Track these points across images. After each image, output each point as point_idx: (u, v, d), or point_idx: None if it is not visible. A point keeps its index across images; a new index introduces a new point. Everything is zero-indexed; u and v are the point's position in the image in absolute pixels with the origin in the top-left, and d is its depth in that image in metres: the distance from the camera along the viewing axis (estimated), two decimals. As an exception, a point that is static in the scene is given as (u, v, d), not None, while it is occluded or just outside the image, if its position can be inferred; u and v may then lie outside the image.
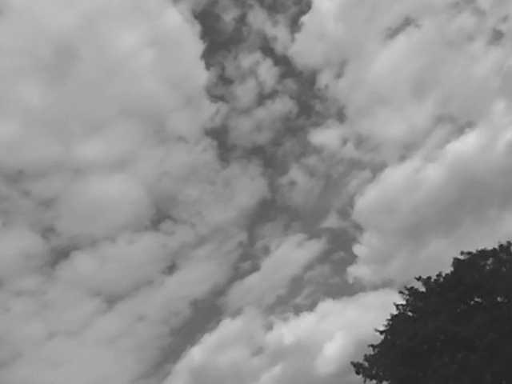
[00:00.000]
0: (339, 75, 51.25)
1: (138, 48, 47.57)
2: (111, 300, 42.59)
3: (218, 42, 51.67)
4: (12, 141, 42.61)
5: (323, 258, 47.36)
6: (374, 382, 23.50)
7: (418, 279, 23.44)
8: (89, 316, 41.42)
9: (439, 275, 23.18)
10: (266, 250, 47.72)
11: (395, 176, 47.69)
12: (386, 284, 43.29)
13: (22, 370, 37.61)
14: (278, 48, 51.74)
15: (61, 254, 42.51)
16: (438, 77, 49.22)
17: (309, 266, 46.82)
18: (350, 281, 45.37)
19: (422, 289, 23.44)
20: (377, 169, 49.11)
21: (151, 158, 47.43)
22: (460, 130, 47.44)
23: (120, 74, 47.13)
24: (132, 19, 47.85)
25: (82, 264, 42.82)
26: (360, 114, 51.22)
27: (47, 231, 42.56)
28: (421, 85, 49.44)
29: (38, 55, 43.91)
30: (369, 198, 47.26)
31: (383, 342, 23.34)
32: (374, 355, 23.46)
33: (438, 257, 40.08)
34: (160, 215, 46.12)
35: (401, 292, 23.75)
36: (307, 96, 52.68)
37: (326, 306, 43.58)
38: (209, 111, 49.20)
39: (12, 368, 37.54)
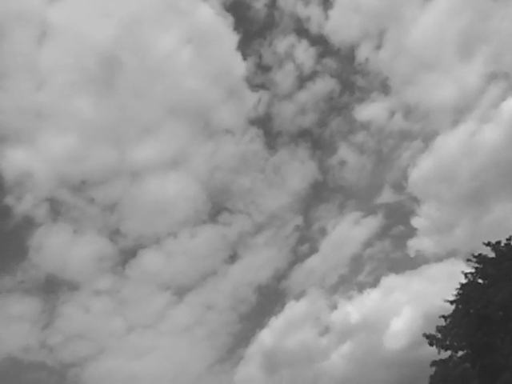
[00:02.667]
0: (379, 46, 49.78)
1: (176, 48, 48.75)
2: (180, 292, 44.51)
3: (252, 30, 51.78)
4: (73, 153, 45.30)
5: (382, 233, 46.79)
6: (449, 352, 23.37)
7: (487, 245, 22.74)
8: (162, 309, 43.61)
9: (509, 239, 22.41)
10: (323, 232, 47.87)
11: (449, 143, 45.92)
12: (450, 254, 42.20)
13: (107, 362, 40.57)
14: (313, 28, 51.01)
15: (129, 254, 44.80)
16: (486, 32, 46.47)
17: (368, 243, 46.46)
18: (412, 254, 44.55)
19: (492, 254, 22.78)
20: (429, 138, 47.50)
21: (202, 153, 48.69)
22: (516, 86, 44.75)
23: (163, 76, 48.57)
24: (167, 21, 49.01)
25: (150, 261, 45.03)
26: (405, 84, 49.58)
27: (114, 234, 44.98)
28: (467, 43, 46.96)
29: (86, 68, 46.18)
30: (423, 169, 45.91)
31: (455, 311, 22.99)
32: (446, 326, 23.18)
33: (504, 221, 38.50)
34: (216, 208, 47.45)
35: (468, 260, 23.18)
36: (348, 72, 51.68)
37: (390, 281, 43.16)
38: (251, 101, 49.62)
39: (99, 361, 40.58)
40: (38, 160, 45.43)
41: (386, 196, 47.35)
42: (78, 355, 40.08)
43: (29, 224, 43.36)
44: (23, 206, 43.22)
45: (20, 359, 39.08)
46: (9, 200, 43.25)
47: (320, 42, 50.98)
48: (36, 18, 45.49)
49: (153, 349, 42.35)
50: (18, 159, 44.29)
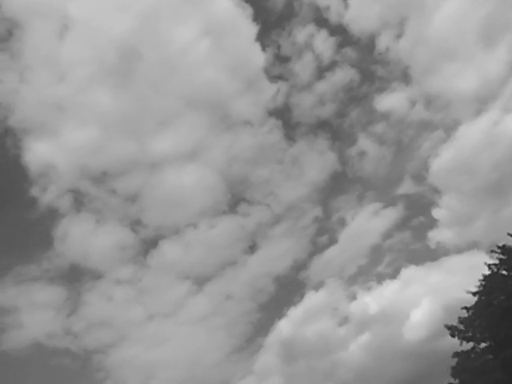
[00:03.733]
0: (399, 35, 48.98)
1: (194, 40, 48.77)
2: (200, 282, 45.10)
3: (271, 21, 51.41)
4: (94, 144, 46.02)
5: (402, 224, 46.51)
6: (471, 344, 23.28)
7: (512, 236, 22.52)
8: (181, 298, 44.30)
9: (534, 230, 22.12)
10: (342, 223, 47.80)
11: (471, 133, 45.13)
12: (471, 246, 41.71)
13: (129, 349, 41.52)
14: (332, 17, 50.36)
15: (150, 244, 45.50)
16: (509, 20, 45.28)
17: (388, 234, 46.27)
18: (432, 246, 44.21)
19: (516, 246, 22.53)
20: (450, 127, 46.76)
21: (220, 144, 48.91)
22: (541, 74, 43.59)
23: (181, 68, 48.76)
24: (185, 13, 49.04)
25: (170, 251, 45.69)
26: (426, 73, 48.79)
27: (135, 224, 45.72)
28: (490, 31, 45.83)
29: (105, 62, 46.65)
30: (444, 160, 45.30)
31: (477, 303, 22.86)
32: (468, 317, 23.09)
33: (527, 213, 37.78)
34: (235, 199, 47.74)
35: (492, 251, 22.99)
36: (368, 62, 51.04)
37: (410, 272, 42.95)
38: (270, 92, 49.51)
39: (121, 348, 41.58)
40: (61, 152, 46.37)
41: (406, 187, 47.00)
42: (101, 342, 41.16)
43: (53, 214, 44.45)
44: (47, 196, 44.25)
45: (45, 345, 40.32)
46: (34, 191, 44.34)
47: (339, 32, 50.45)
48: (57, 13, 46.07)
49: (172, 337, 43.25)
50: (42, 151, 45.27)
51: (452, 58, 48.05)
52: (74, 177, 45.24)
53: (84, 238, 44.78)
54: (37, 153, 44.84)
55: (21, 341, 39.52)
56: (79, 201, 45.14)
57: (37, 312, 41.56)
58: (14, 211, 45.42)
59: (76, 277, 43.54)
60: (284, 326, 42.01)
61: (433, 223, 44.96)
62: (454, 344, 23.61)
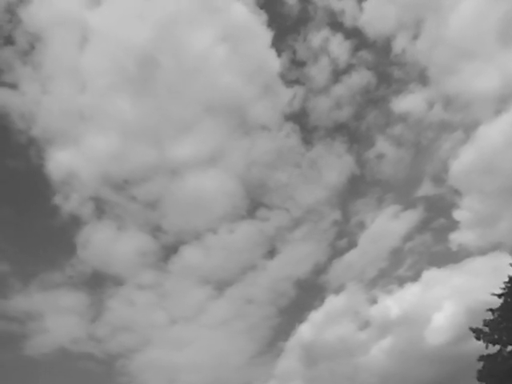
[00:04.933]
0: (416, 36, 48.81)
1: (211, 46, 49.45)
2: (220, 286, 45.44)
3: (286, 26, 51.75)
4: (115, 152, 46.96)
5: (422, 227, 46.16)
6: (497, 347, 22.95)
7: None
8: (202, 302, 44.72)
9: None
10: (362, 226, 47.66)
11: (492, 133, 44.58)
12: (494, 247, 41.12)
13: (152, 352, 42.04)
14: (347, 21, 50.47)
15: (170, 250, 46.01)
16: (530, 17, 44.64)
17: (408, 237, 45.95)
18: (454, 248, 43.73)
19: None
20: (470, 128, 46.26)
21: (239, 149, 49.35)
22: None
23: (199, 74, 49.43)
24: (201, 20, 49.76)
25: (190, 256, 46.16)
26: (444, 73, 48.43)
27: (156, 230, 46.38)
28: (509, 29, 45.21)
29: (124, 70, 47.59)
30: (464, 161, 44.84)
31: (503, 305, 22.55)
32: (494, 320, 22.77)
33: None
34: (254, 203, 48.04)
35: (517, 253, 22.71)
36: (384, 64, 50.94)
37: (431, 275, 42.52)
38: (286, 96, 49.81)
39: (145, 352, 42.14)
40: (83, 160, 47.38)
41: (426, 189, 46.68)
42: (124, 346, 41.78)
43: (76, 222, 45.41)
44: (70, 204, 45.24)
45: (70, 350, 41.11)
46: (57, 199, 45.37)
47: (355, 35, 50.53)
48: (77, 24, 47.27)
49: (194, 341, 43.59)
50: (64, 160, 46.31)
51: (470, 57, 47.66)
52: (95, 184, 46.25)
53: (106, 244, 45.69)
54: (59, 162, 46.01)
55: (46, 346, 40.45)
56: (101, 208, 46.10)
57: (61, 318, 42.47)
58: (37, 219, 46.75)
59: (99, 283, 44.39)
60: (305, 330, 42.06)
61: (454, 225, 44.56)
62: (479, 347, 23.32)
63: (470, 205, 43.97)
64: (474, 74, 46.96)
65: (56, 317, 42.16)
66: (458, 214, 44.47)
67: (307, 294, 45.50)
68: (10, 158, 46.62)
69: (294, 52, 51.07)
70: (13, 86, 45.94)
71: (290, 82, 50.32)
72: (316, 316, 42.44)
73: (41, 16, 46.09)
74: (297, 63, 51.07)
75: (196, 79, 49.12)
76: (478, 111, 46.24)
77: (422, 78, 49.03)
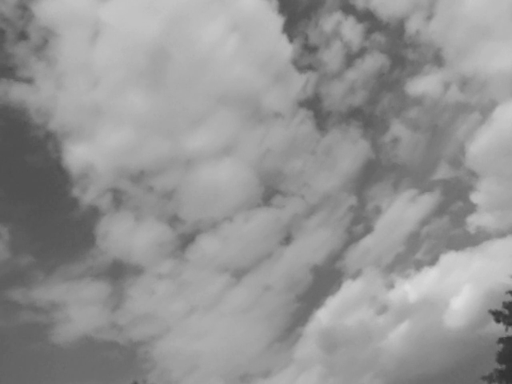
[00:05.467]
0: (430, 17, 47.86)
1: (222, 36, 49.24)
2: (238, 274, 45.86)
3: (297, 12, 51.23)
4: (130, 145, 47.49)
5: (439, 210, 45.90)
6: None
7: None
8: (220, 291, 45.26)
9: None
10: (378, 211, 47.49)
11: (509, 113, 43.67)
12: (513, 230, 40.69)
13: (173, 340, 42.94)
14: (359, 3, 49.66)
15: (187, 239, 46.56)
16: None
17: (425, 221, 45.74)
18: (472, 231, 43.44)
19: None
20: (487, 109, 45.48)
21: (253, 138, 49.34)
22: None
23: (210, 65, 49.41)
24: (211, 10, 49.53)
25: (207, 245, 46.69)
26: (460, 54, 47.49)
27: (172, 220, 46.93)
28: (528, 7, 44.12)
29: (136, 64, 47.84)
30: (482, 142, 44.19)
31: (523, 287, 22.43)
32: (514, 302, 22.69)
33: None
34: (269, 191, 48.16)
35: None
36: (398, 47, 50.17)
37: (449, 258, 42.36)
38: (299, 83, 49.46)
39: (165, 340, 43.03)
40: (99, 153, 48.07)
41: (443, 172, 46.31)
42: (145, 334, 42.71)
43: (94, 213, 46.16)
44: (88, 196, 46.01)
45: (94, 338, 42.21)
46: (75, 192, 46.20)
47: (367, 18, 49.75)
48: (88, 19, 47.54)
49: (213, 328, 44.31)
50: (81, 154, 47.04)
51: (487, 36, 46.56)
52: (112, 177, 46.95)
53: (124, 235, 46.51)
54: (76, 155, 46.73)
55: (71, 334, 41.65)
56: (118, 199, 46.78)
57: (84, 307, 43.58)
58: (57, 212, 47.75)
59: (119, 273, 45.31)
60: (322, 316, 42.41)
61: (472, 208, 44.16)
62: (498, 330, 23.26)
63: (488, 187, 43.52)
64: (490, 54, 46.01)
65: (79, 306, 43.34)
66: (475, 197, 44.12)
67: (324, 280, 45.82)
68: (28, 153, 47.65)
69: (306, 37, 50.63)
70: (28, 81, 46.74)
71: (302, 68, 50.01)
72: (333, 301, 42.78)
73: (53, 11, 46.54)
74: (309, 49, 50.68)
75: (208, 70, 49.19)
76: (495, 92, 45.41)
77: (437, 59, 48.28)
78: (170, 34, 47.90)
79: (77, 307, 43.02)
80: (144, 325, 43.13)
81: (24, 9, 45.85)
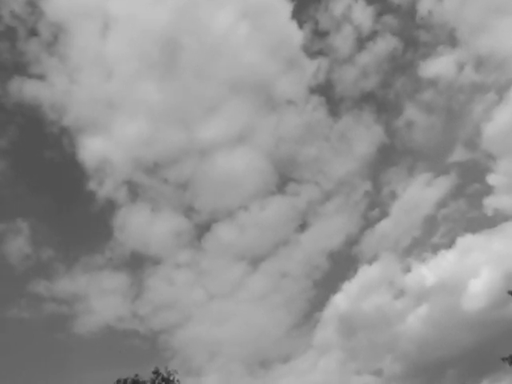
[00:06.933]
0: (442, -4, 47.02)
1: (232, 24, 48.99)
2: (255, 262, 46.15)
3: (306, -3, 50.78)
4: (144, 137, 47.81)
5: (456, 193, 45.52)
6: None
7: None
8: (238, 278, 45.68)
9: None
10: (393, 195, 47.32)
11: (527, 91, 42.94)
12: (531, 211, 40.21)
13: (194, 328, 43.58)
14: (369, -15, 49.08)
15: (204, 228, 47.06)
16: None
17: (441, 204, 45.41)
18: (489, 213, 42.92)
19: None
20: (503, 89, 44.66)
21: (266, 126, 49.34)
22: None
23: (222, 53, 49.23)
24: (220, -2, 49.28)
25: (223, 234, 47.07)
26: (475, 32, 46.57)
27: (188, 210, 47.40)
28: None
29: (148, 55, 47.96)
30: (499, 123, 43.51)
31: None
32: (534, 283, 22.66)
33: None
34: (284, 179, 48.25)
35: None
36: (410, 28, 49.53)
37: (466, 241, 41.95)
38: (310, 69, 49.15)
39: (186, 328, 43.69)
40: (114, 146, 48.59)
41: (458, 154, 45.77)
42: (166, 323, 43.43)
43: (111, 206, 46.90)
44: (105, 189, 46.66)
45: (116, 328, 43.12)
46: (92, 185, 46.89)
47: (378, 0, 49.16)
48: (98, 13, 47.71)
49: (233, 316, 44.88)
50: (97, 147, 47.61)
51: (503, 13, 45.56)
52: (128, 169, 47.43)
53: (141, 226, 47.12)
54: (92, 149, 47.32)
55: (93, 324, 42.59)
56: (134, 191, 47.38)
57: (105, 298, 44.46)
58: (75, 206, 48.71)
59: (137, 263, 46.00)
60: (339, 301, 42.58)
61: (488, 190, 43.65)
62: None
63: (505, 168, 42.94)
64: (506, 32, 45.00)
65: (100, 297, 44.22)
66: (492, 179, 43.56)
67: (341, 265, 45.93)
68: (45, 149, 48.41)
69: (316, 22, 50.13)
70: (41, 78, 47.23)
71: (313, 54, 49.67)
72: (350, 287, 42.89)
73: (62, 7, 46.79)
74: (319, 34, 50.19)
75: (219, 58, 49.04)
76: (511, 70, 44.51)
77: (451, 40, 47.47)
78: (181, 23, 47.91)
79: (98, 298, 43.98)
80: (164, 314, 43.94)
81: (34, 6, 46.30)
